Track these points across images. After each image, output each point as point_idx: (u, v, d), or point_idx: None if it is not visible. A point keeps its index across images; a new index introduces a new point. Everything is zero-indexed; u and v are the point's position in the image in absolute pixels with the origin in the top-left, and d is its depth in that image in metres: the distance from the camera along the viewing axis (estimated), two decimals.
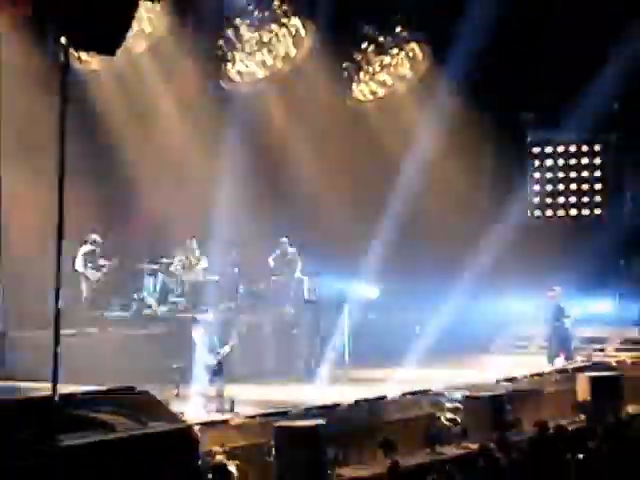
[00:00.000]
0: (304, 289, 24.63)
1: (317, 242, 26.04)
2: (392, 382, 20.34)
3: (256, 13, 26.46)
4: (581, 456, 14.10)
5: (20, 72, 21.63)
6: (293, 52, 27.31)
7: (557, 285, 24.97)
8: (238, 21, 26.38)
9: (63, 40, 13.01)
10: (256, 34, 26.73)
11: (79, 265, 21.73)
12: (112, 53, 14.62)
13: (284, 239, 25.04)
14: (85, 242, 21.89)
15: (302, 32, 27.24)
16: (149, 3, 23.70)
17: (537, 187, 31.38)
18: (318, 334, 22.64)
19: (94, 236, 21.94)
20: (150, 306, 23.06)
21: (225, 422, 16.40)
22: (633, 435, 15.34)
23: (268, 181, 26.50)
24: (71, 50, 14.22)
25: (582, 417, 19.66)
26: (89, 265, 21.84)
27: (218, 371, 17.83)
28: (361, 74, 29.40)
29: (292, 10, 26.93)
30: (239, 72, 26.78)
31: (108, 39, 13.65)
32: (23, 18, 22.18)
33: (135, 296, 23.24)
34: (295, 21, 27.13)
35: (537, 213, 31.32)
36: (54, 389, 12.11)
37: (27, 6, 21.33)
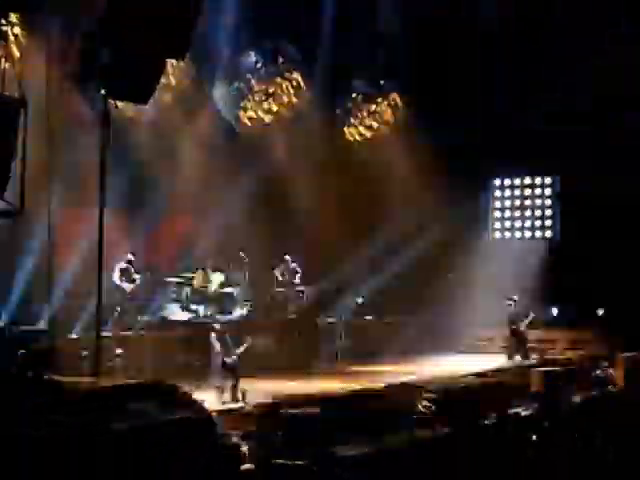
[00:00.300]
0: (304, 297, 24.59)
1: (315, 257, 26.03)
2: (378, 376, 20.30)
3: (264, 69, 26.56)
4: (535, 437, 14.08)
5: (68, 117, 21.74)
6: (294, 101, 27.37)
7: (515, 294, 24.96)
8: (249, 75, 26.48)
9: (103, 92, 13.02)
10: (264, 86, 26.78)
11: (116, 279, 21.71)
12: (145, 102, 14.68)
13: (287, 256, 25.01)
14: (121, 260, 21.88)
15: (302, 84, 27.31)
16: (174, 60, 23.71)
17: (497, 213, 31.38)
18: (317, 335, 22.59)
19: (129, 255, 21.96)
20: (175, 313, 23.02)
21: (238, 410, 16.38)
22: (579, 420, 15.32)
23: (274, 207, 26.53)
24: (110, 100, 14.25)
25: (535, 405, 19.58)
26: (124, 279, 21.82)
27: (232, 367, 17.80)
28: (351, 119, 29.45)
29: (294, 66, 27.00)
30: (250, 118, 26.81)
31: (141, 91, 13.67)
32: (72, 74, 22.37)
33: (162, 305, 23.22)
34: (296, 75, 27.20)
35: (497, 235, 31.29)
36: (95, 382, 12.10)
37: (75, 63, 21.40)
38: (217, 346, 17.97)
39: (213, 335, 18.15)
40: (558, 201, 30.46)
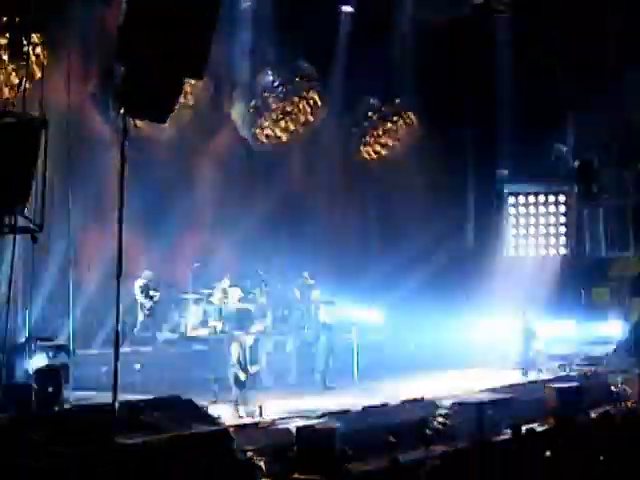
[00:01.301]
0: (320, 314, 24.54)
1: (331, 274, 26.03)
2: (393, 392, 20.25)
3: (281, 88, 26.65)
4: (549, 453, 14.00)
5: (88, 136, 21.87)
6: (311, 119, 27.43)
7: (529, 311, 24.89)
8: (266, 94, 26.57)
9: (122, 110, 13.09)
10: (281, 105, 26.86)
11: (135, 295, 21.72)
12: (163, 121, 14.74)
13: (305, 273, 24.99)
14: (140, 276, 21.89)
15: (319, 103, 27.38)
16: (192, 80, 23.81)
17: (513, 230, 31.30)
18: (332, 352, 22.54)
19: (147, 272, 21.97)
20: (193, 329, 23.02)
21: (255, 425, 16.37)
22: (594, 436, 15.23)
23: (291, 224, 26.58)
24: (129, 119, 14.32)
25: (550, 421, 19.50)
26: (143, 295, 21.82)
27: (248, 383, 17.81)
28: (367, 137, 29.50)
29: (310, 85, 27.09)
30: (267, 135, 26.89)
31: (159, 110, 13.73)
32: (91, 93, 22.53)
33: (181, 321, 23.23)
34: (313, 94, 27.28)
35: (512, 252, 31.21)
36: (114, 397, 12.11)
37: (95, 83, 21.56)
38: (235, 361, 17.95)
39: (232, 348, 18.11)
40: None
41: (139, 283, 21.82)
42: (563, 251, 30.60)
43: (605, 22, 26.72)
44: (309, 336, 23.67)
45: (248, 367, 18.01)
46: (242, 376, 17.82)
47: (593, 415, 19.03)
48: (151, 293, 22.01)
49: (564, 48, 27.37)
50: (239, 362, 17.91)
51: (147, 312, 21.82)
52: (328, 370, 22.23)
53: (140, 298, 21.86)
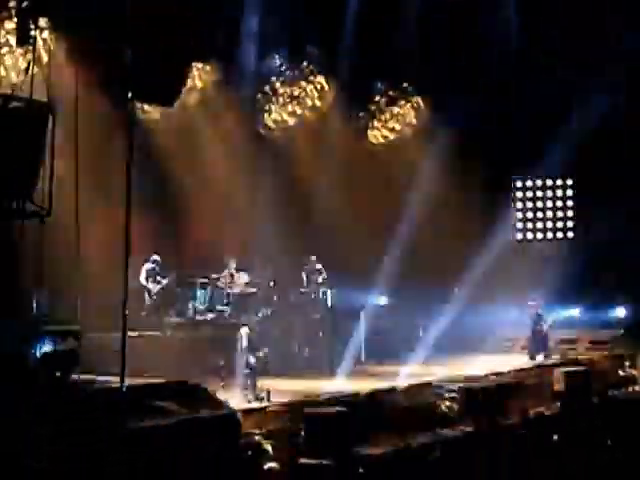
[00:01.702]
0: (328, 299, 24.54)
1: (339, 258, 26.01)
2: (400, 376, 20.25)
3: (288, 72, 26.59)
4: (556, 437, 14.03)
5: (96, 121, 21.82)
6: (318, 104, 27.38)
7: (537, 296, 24.87)
8: (274, 79, 26.52)
9: (130, 95, 13.04)
10: (288, 89, 26.81)
11: (142, 279, 21.70)
12: (170, 105, 14.71)
13: (313, 257, 24.96)
14: (147, 260, 21.84)
15: (326, 87, 27.32)
16: (200, 63, 23.76)
17: (519, 214, 31.23)
18: (339, 336, 22.54)
19: (155, 256, 21.89)
20: (200, 313, 23.02)
21: (262, 409, 16.36)
22: (601, 420, 15.24)
23: (298, 208, 26.54)
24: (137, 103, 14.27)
25: (557, 405, 19.50)
26: (150, 279, 21.79)
27: (256, 367, 17.79)
28: (375, 122, 29.43)
29: (318, 69, 27.01)
30: (274, 120, 26.85)
31: (167, 94, 13.69)
32: (99, 77, 22.47)
33: (189, 305, 23.23)
34: (320, 78, 27.22)
35: (519, 236, 31.16)
36: (122, 382, 12.10)
37: (102, 67, 21.51)
38: (244, 344, 17.95)
39: (241, 332, 18.09)
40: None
41: (147, 267, 21.78)
42: (570, 235, 30.55)
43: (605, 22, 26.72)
44: (316, 320, 23.66)
45: (256, 351, 18.00)
46: (252, 361, 17.82)
47: (600, 399, 19.05)
48: (158, 278, 21.97)
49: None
50: (248, 347, 17.89)
51: (154, 296, 21.80)
52: (336, 354, 22.23)
53: (147, 283, 21.84)
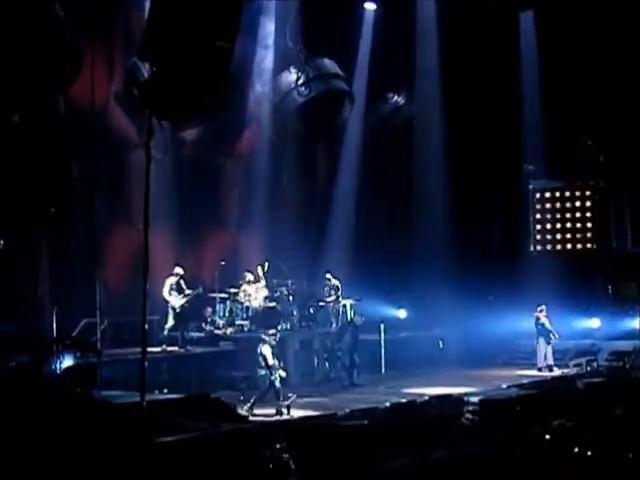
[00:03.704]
0: (347, 312, 24.52)
1: (358, 272, 26.05)
2: (420, 389, 20.21)
3: (304, 86, 26.53)
4: (577, 450, 13.94)
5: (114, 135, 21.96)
6: (336, 117, 27.27)
7: (543, 304, 24.58)
8: (290, 92, 26.48)
9: (147, 111, 13.04)
10: (305, 102, 26.76)
11: (165, 294, 21.37)
12: (188, 122, 14.77)
13: (330, 271, 24.92)
14: (170, 275, 21.53)
15: (343, 100, 27.19)
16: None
17: (538, 226, 31.07)
18: (358, 350, 22.50)
19: (178, 269, 21.59)
20: (220, 328, 23.01)
21: (283, 423, 16.35)
22: (622, 432, 15.16)
23: (317, 221, 26.71)
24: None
25: (579, 417, 19.38)
26: (173, 294, 21.48)
27: (276, 381, 17.72)
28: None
29: (334, 83, 27.00)
30: (291, 133, 26.81)
31: (184, 110, 13.72)
32: (116, 94, 22.62)
33: (208, 320, 23.23)
34: (336, 92, 27.14)
35: (539, 247, 31.00)
36: (142, 396, 12.08)
37: (120, 83, 21.64)
38: (263, 359, 17.87)
39: (261, 346, 17.99)
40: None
41: (170, 281, 21.40)
42: (589, 246, 30.39)
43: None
44: (335, 334, 23.65)
45: (277, 366, 17.89)
46: (282, 374, 17.71)
47: (621, 411, 18.95)
48: (185, 291, 21.43)
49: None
50: (267, 360, 17.76)
51: (176, 311, 21.43)
52: (355, 367, 22.21)
53: (170, 297, 21.42)
